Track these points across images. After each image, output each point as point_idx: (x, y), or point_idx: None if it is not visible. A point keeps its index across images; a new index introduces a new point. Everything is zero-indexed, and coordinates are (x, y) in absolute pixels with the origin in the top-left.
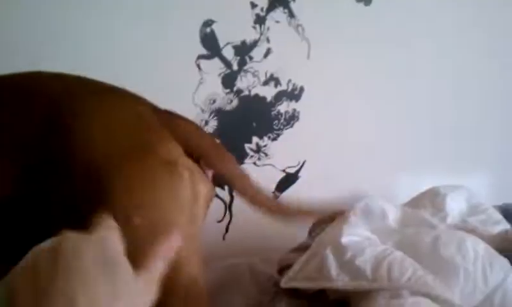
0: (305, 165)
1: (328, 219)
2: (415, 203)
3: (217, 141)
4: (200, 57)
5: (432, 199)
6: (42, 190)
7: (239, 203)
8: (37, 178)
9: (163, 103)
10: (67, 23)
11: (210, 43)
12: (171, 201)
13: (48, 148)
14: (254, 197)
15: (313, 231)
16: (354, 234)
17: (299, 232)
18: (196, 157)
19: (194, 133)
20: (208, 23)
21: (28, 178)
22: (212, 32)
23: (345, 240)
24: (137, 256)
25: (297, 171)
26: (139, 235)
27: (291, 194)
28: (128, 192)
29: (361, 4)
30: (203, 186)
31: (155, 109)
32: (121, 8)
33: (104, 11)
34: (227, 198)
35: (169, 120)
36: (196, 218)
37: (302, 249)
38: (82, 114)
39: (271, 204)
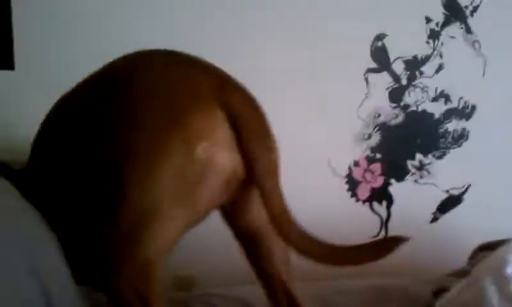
0: (470, 189)
1: (494, 244)
2: None
3: (268, 125)
4: (369, 70)
5: None
6: None
7: (396, 220)
8: None
9: (328, 115)
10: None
11: (381, 57)
12: (168, 183)
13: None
14: (277, 216)
15: (474, 258)
16: None
17: (453, 257)
18: (238, 132)
19: (241, 106)
20: (380, 37)
21: None
22: (383, 45)
23: (510, 270)
24: None
25: (462, 194)
26: (128, 208)
27: (452, 218)
28: (133, 167)
29: None
30: (225, 163)
31: (219, 78)
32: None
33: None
34: (384, 214)
35: (226, 91)
36: (195, 200)
37: (460, 274)
38: (131, 81)
39: (298, 237)
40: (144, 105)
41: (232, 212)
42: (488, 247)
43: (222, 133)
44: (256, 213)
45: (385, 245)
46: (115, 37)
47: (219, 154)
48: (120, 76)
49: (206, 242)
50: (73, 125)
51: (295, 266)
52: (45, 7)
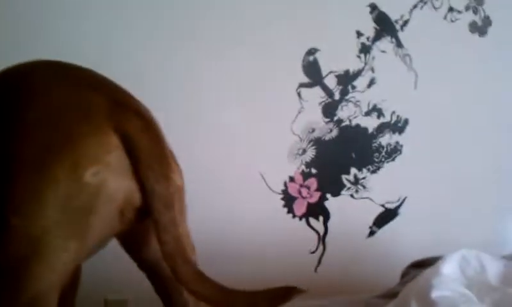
0: (406, 202)
1: (425, 262)
2: None
3: (167, 153)
4: (301, 85)
5: None
6: None
7: (334, 235)
8: None
9: (261, 129)
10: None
11: (313, 72)
12: (54, 209)
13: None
14: (171, 253)
15: (406, 275)
16: (447, 289)
17: (391, 271)
18: (134, 159)
19: (137, 132)
20: (311, 51)
21: None
22: (315, 60)
23: (435, 294)
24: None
25: (397, 207)
26: (13, 236)
27: (388, 231)
28: (15, 191)
29: (476, 35)
30: (118, 189)
31: (113, 99)
32: (225, 34)
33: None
34: (321, 229)
35: (121, 113)
36: (86, 229)
37: (390, 295)
38: (26, 100)
39: (193, 278)
40: (33, 120)
41: (130, 242)
42: (419, 265)
43: (115, 158)
44: (155, 245)
45: (281, 294)
46: None
47: (111, 180)
48: (10, 86)
49: None
50: None
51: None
52: None
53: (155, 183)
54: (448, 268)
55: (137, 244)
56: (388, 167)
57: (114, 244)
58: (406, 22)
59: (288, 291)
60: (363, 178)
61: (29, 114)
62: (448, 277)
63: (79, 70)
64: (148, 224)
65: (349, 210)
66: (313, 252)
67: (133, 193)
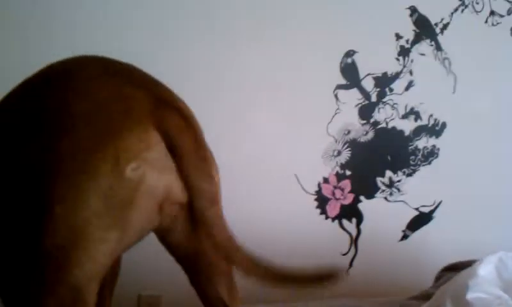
0: (441, 206)
1: (459, 265)
2: None
3: (207, 152)
4: (339, 87)
5: None
6: None
7: (366, 238)
8: None
9: (297, 130)
10: None
11: (350, 74)
12: (96, 201)
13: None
14: (222, 244)
15: (440, 278)
16: (482, 291)
17: (424, 275)
18: (178, 157)
19: (179, 131)
20: (349, 53)
21: None
22: (353, 62)
23: (471, 296)
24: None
25: (432, 211)
26: (57, 224)
27: (422, 235)
28: (60, 181)
29: None
30: (158, 184)
31: (155, 95)
32: (265, 34)
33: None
34: (354, 231)
35: (163, 110)
36: (126, 222)
37: (424, 297)
38: (63, 97)
39: (246, 262)
40: (78, 113)
41: (167, 236)
42: (454, 268)
43: (155, 154)
44: (193, 239)
45: (329, 273)
46: None
47: (151, 176)
48: (56, 80)
49: (173, 260)
50: (5, 128)
51: (250, 290)
52: None
53: (201, 181)
54: (485, 270)
55: (174, 238)
56: (423, 171)
57: (148, 241)
58: (446, 25)
59: (335, 272)
60: (398, 181)
61: (72, 108)
62: (485, 279)
63: (122, 66)
64: (188, 219)
65: (383, 213)
66: (345, 254)
67: (174, 188)
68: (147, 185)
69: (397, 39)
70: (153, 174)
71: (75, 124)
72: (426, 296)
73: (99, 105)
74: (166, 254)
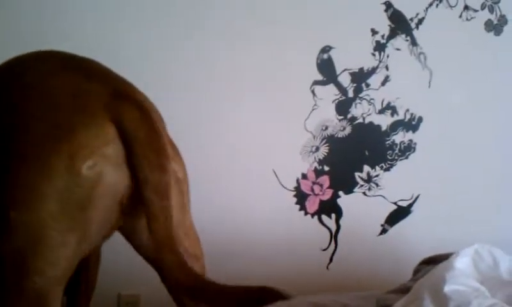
0: (419, 200)
1: (437, 258)
2: None
3: (164, 144)
4: (316, 83)
5: None
6: None
7: (345, 233)
8: None
9: (274, 126)
10: None
11: (327, 69)
12: (51, 203)
13: None
14: (159, 241)
15: (418, 271)
16: (460, 283)
17: (403, 269)
18: (128, 148)
19: (133, 122)
20: (326, 49)
21: None
22: (330, 58)
23: (448, 289)
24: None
25: (410, 205)
26: (12, 229)
27: (400, 229)
28: (13, 183)
29: (491, 34)
30: (117, 182)
31: (112, 89)
32: (238, 31)
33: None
34: (333, 227)
35: (119, 103)
36: (85, 224)
37: (402, 290)
38: (22, 92)
39: (177, 268)
40: (31, 111)
41: (129, 233)
42: (431, 261)
43: (112, 149)
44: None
45: (262, 295)
46: None
47: (109, 173)
48: (10, 78)
49: None
50: None
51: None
52: None
53: (149, 172)
54: (462, 263)
55: (135, 234)
56: (401, 165)
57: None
58: (421, 20)
59: (270, 294)
60: (376, 175)
61: (25, 105)
62: (461, 272)
63: (81, 61)
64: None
65: (362, 208)
66: (324, 250)
67: (131, 184)
68: (105, 182)
69: (372, 35)
70: (111, 171)
71: (28, 122)
72: (405, 290)
73: (54, 101)
74: None
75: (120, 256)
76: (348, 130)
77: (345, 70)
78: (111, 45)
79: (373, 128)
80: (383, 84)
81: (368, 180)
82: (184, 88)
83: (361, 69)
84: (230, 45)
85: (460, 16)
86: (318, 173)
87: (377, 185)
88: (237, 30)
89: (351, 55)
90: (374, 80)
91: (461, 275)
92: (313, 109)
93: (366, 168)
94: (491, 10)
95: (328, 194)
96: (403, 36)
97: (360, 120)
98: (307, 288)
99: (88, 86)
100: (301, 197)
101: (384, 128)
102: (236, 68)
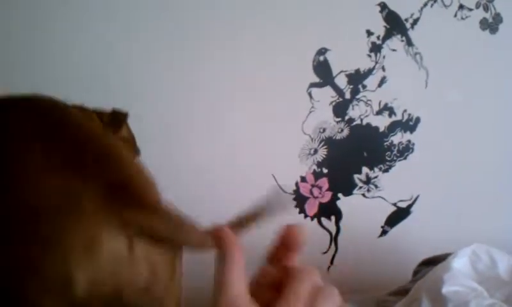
0: (418, 200)
1: (437, 259)
2: None
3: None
4: (312, 85)
5: None
6: None
7: (346, 235)
8: None
9: (272, 130)
10: None
11: (323, 72)
12: None
13: None
14: None
15: (418, 272)
16: (457, 284)
17: (404, 271)
18: None
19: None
20: (321, 51)
21: None
22: (326, 60)
23: (446, 289)
24: None
25: (410, 206)
26: None
27: (401, 230)
28: None
29: (487, 32)
30: None
31: (102, 182)
32: (234, 33)
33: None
34: (333, 229)
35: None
36: None
37: (402, 292)
38: None
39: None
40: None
41: None
42: (431, 262)
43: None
44: None
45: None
46: None
47: None
48: None
49: None
50: None
51: None
52: None
53: None
54: (459, 264)
55: None
56: (400, 166)
57: None
58: (416, 21)
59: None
60: (375, 177)
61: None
62: (459, 272)
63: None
64: None
65: (361, 210)
66: (325, 253)
67: None
68: None
69: (368, 36)
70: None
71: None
72: (404, 291)
73: (36, 210)
74: None
75: None
76: (346, 132)
77: (341, 71)
78: (104, 46)
79: (371, 129)
80: (380, 85)
81: (367, 181)
82: (179, 90)
83: (357, 70)
84: (222, 47)
85: (455, 15)
86: (317, 175)
87: (376, 186)
88: (231, 32)
89: (347, 57)
90: (371, 81)
91: (459, 275)
92: (310, 112)
93: (365, 170)
94: (486, 9)
95: (327, 197)
96: (399, 36)
97: (358, 122)
98: None
99: (78, 185)
100: (300, 201)
101: (382, 129)
102: (230, 72)
